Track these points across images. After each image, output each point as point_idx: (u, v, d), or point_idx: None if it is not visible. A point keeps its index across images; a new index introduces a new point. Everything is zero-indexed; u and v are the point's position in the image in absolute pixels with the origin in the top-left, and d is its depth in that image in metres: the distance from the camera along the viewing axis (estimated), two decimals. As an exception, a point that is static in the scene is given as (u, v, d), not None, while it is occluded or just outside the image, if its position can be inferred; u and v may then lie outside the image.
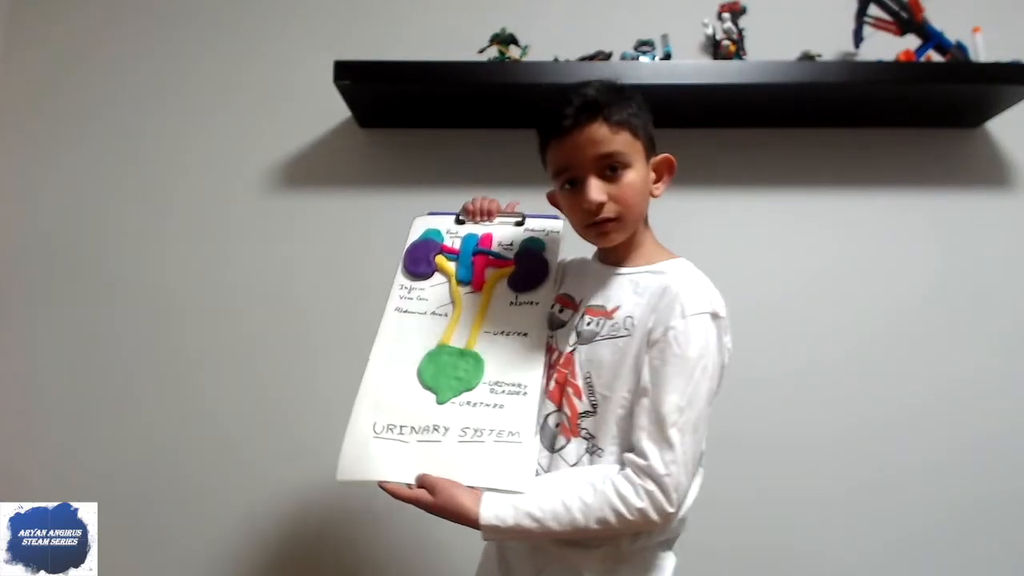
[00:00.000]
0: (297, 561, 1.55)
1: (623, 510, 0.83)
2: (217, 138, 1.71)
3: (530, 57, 1.56)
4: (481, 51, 1.57)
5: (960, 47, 1.54)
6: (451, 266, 1.10)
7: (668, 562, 0.95)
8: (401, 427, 0.96)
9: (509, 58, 1.55)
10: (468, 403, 0.96)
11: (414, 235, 1.15)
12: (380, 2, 1.75)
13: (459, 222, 1.15)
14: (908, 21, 1.55)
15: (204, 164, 1.70)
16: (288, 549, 1.55)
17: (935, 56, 1.56)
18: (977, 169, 1.65)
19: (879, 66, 1.50)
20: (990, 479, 1.53)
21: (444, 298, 1.08)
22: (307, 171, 1.69)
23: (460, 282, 1.08)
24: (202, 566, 1.55)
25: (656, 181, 0.99)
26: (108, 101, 1.73)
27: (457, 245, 1.12)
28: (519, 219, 1.13)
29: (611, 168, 0.93)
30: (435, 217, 1.17)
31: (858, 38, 1.59)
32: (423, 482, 0.90)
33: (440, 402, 0.97)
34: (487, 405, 0.95)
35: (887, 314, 1.59)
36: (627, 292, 0.96)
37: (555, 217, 1.10)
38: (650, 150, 0.98)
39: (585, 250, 1.10)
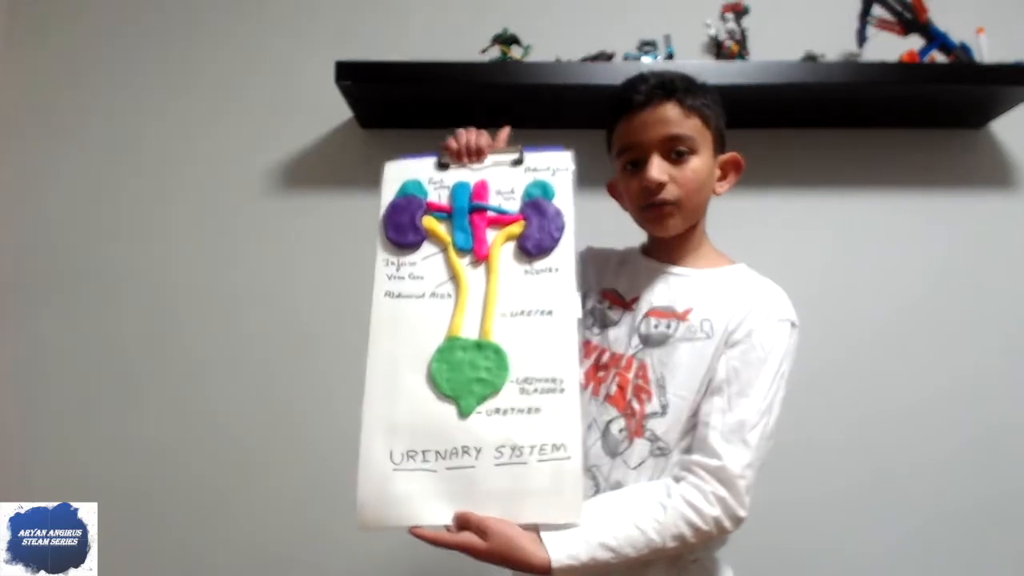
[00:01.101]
0: (298, 561, 1.55)
1: (698, 521, 0.80)
2: (218, 139, 1.71)
3: (532, 57, 1.56)
4: (483, 51, 1.57)
5: (964, 48, 1.53)
6: (443, 230, 0.91)
7: (727, 569, 0.95)
8: (424, 452, 0.81)
9: (511, 58, 1.55)
10: (497, 411, 0.82)
11: (389, 191, 0.94)
12: (382, 2, 1.74)
13: (442, 166, 0.95)
14: (912, 22, 1.55)
15: (205, 164, 1.70)
16: (288, 549, 1.55)
17: (939, 57, 1.55)
18: (981, 170, 1.64)
19: (882, 67, 1.49)
20: (992, 480, 1.53)
21: (443, 273, 0.89)
22: (308, 172, 1.69)
23: (459, 251, 0.89)
24: (202, 566, 1.55)
25: (721, 179, 0.97)
26: (108, 101, 1.73)
27: (445, 200, 0.92)
28: (516, 155, 0.94)
29: (677, 152, 0.90)
30: (411, 162, 0.96)
31: (861, 38, 1.58)
32: (466, 522, 0.79)
33: (464, 413, 0.82)
34: (520, 411, 0.81)
35: (890, 315, 1.59)
36: (698, 294, 0.93)
37: (559, 149, 0.94)
38: (719, 145, 0.96)
39: (611, 240, 1.06)
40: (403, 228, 0.91)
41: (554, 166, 0.93)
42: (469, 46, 1.57)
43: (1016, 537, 1.51)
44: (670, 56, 1.57)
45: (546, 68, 1.49)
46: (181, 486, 1.57)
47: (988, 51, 1.52)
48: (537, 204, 0.90)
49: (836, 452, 1.54)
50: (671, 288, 0.95)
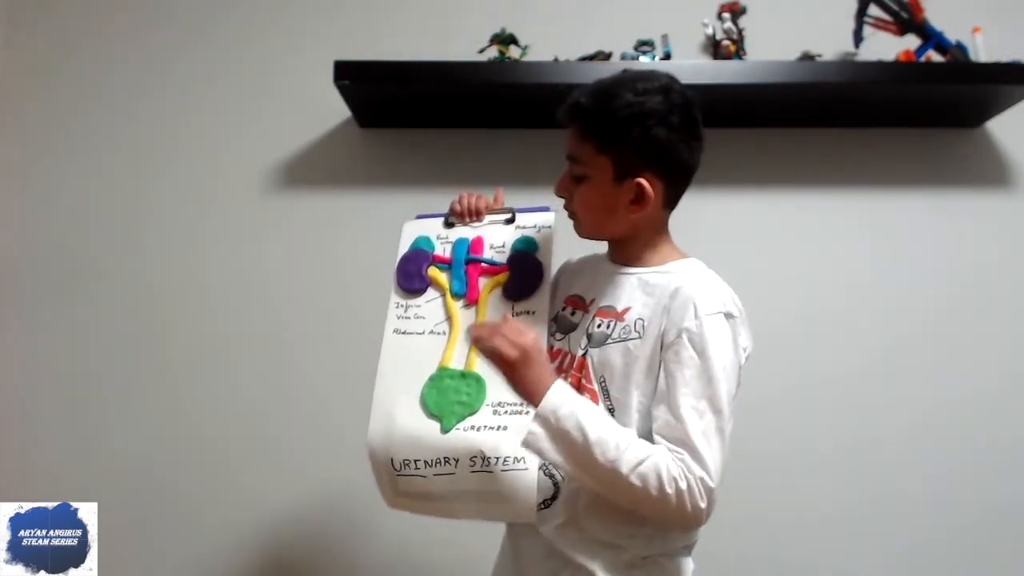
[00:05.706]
0: (296, 561, 1.55)
1: (666, 482, 0.80)
2: (217, 138, 1.71)
3: (530, 57, 1.56)
4: (481, 51, 1.57)
5: (960, 47, 1.54)
6: (444, 278, 1.07)
7: (686, 567, 0.93)
8: (415, 461, 0.93)
9: (509, 58, 1.55)
10: (472, 428, 0.93)
11: (404, 245, 1.12)
12: (380, 2, 1.75)
13: (448, 224, 1.12)
14: (908, 21, 1.55)
15: (204, 164, 1.70)
16: (287, 549, 1.55)
17: (935, 56, 1.56)
18: (977, 169, 1.65)
19: (879, 66, 1.50)
20: (992, 486, 1.53)
21: (441, 314, 1.04)
22: (307, 171, 1.69)
23: (455, 295, 1.05)
24: (202, 566, 1.55)
25: (635, 202, 0.92)
26: (106, 101, 1.73)
27: (448, 253, 1.09)
28: (509, 216, 1.10)
29: (573, 175, 0.96)
30: (424, 221, 1.14)
31: (858, 38, 1.59)
32: (490, 330, 0.91)
33: (445, 430, 0.93)
34: (491, 428, 0.92)
35: (886, 313, 1.59)
36: (637, 293, 0.95)
37: (545, 209, 1.08)
38: (628, 170, 0.91)
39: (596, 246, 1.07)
40: (411, 276, 1.08)
41: (540, 224, 1.08)
42: (467, 46, 1.57)
43: (1020, 550, 1.51)
44: (667, 56, 1.57)
45: (544, 68, 1.49)
46: (181, 486, 1.57)
47: (984, 50, 1.53)
48: (522, 257, 1.05)
49: (831, 456, 1.54)
50: (616, 287, 0.98)
